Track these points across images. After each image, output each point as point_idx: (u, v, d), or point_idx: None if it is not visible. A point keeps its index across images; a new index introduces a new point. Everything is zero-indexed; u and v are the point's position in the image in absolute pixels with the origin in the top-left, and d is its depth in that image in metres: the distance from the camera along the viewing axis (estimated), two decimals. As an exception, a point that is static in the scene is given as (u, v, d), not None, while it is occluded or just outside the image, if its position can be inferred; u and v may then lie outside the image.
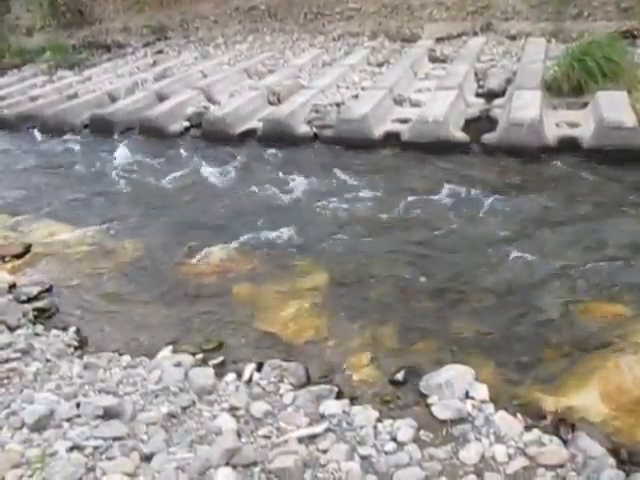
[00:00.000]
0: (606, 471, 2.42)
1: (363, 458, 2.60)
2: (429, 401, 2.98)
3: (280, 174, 6.29)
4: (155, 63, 11.44)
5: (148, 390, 3.09)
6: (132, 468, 2.48)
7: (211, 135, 7.58)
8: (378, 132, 6.79)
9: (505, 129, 6.19)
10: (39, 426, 2.71)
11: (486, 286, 4.03)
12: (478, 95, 7.87)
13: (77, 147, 8.11)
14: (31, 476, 2.38)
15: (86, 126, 8.62)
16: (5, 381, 3.17)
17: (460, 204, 5.21)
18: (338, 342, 3.63)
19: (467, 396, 2.95)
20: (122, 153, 7.50)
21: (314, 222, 5.19)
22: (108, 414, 2.80)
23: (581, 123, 6.29)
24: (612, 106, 6.09)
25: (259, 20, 12.25)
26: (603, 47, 7.00)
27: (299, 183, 6.03)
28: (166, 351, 3.62)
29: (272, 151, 6.96)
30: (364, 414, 2.88)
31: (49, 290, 4.51)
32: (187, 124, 8.05)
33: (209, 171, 6.64)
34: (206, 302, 4.22)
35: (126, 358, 3.52)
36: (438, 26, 10.53)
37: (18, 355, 3.45)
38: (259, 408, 2.97)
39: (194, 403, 3.01)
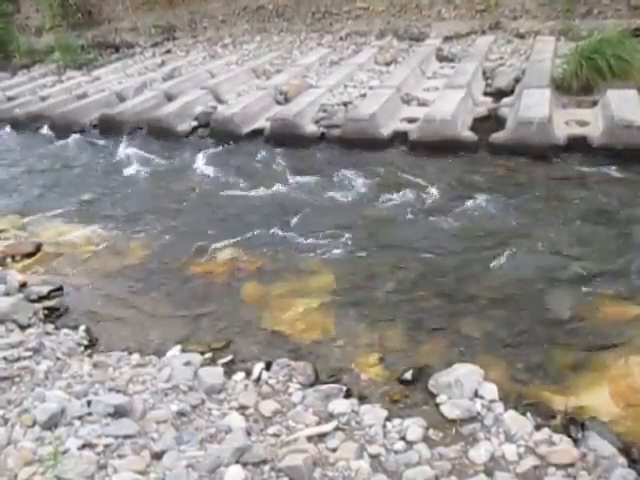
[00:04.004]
0: (617, 470, 2.42)
1: (372, 457, 2.61)
2: (438, 400, 2.98)
3: (287, 173, 6.29)
4: (163, 63, 11.49)
5: (158, 389, 3.10)
6: (143, 466, 2.49)
7: (219, 135, 7.60)
8: (386, 131, 6.78)
9: (514, 128, 6.17)
10: (51, 424, 2.72)
11: (494, 285, 4.02)
12: (486, 94, 7.85)
13: (86, 147, 8.15)
14: (44, 473, 2.40)
15: (95, 126, 8.67)
16: (17, 379, 3.20)
17: (468, 203, 5.19)
18: (346, 341, 3.63)
19: (476, 395, 2.95)
20: (130, 153, 7.54)
21: (321, 221, 5.19)
22: (119, 412, 2.81)
23: (591, 122, 6.26)
24: (622, 104, 6.05)
25: (267, 20, 12.27)
26: (613, 45, 6.96)
27: (306, 182, 6.04)
28: (175, 350, 3.63)
29: (280, 150, 6.97)
30: (373, 413, 2.88)
31: (59, 289, 4.53)
32: (195, 124, 8.07)
33: (217, 171, 6.65)
34: (214, 301, 4.23)
35: (136, 357, 3.53)
36: (446, 25, 10.50)
37: (29, 354, 3.47)
38: (268, 407, 2.98)
39: (203, 402, 3.03)
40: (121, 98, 9.38)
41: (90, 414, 2.81)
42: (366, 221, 5.14)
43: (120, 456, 2.54)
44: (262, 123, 7.66)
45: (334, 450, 2.64)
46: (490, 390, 2.97)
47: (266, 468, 2.51)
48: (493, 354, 3.36)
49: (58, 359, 3.50)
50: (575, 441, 2.64)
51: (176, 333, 3.89)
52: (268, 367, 3.36)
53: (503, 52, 9.22)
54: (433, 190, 5.48)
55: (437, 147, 6.27)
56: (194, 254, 4.89)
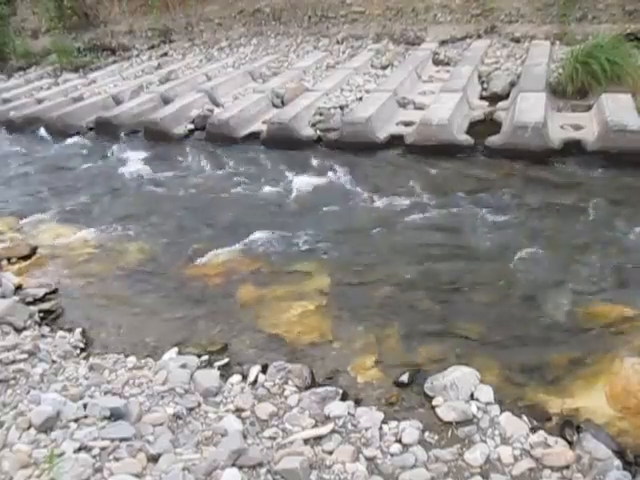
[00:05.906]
0: (612, 472, 2.43)
1: (369, 459, 2.62)
2: (434, 403, 2.98)
3: (284, 177, 6.30)
4: (160, 66, 11.49)
5: (154, 391, 3.10)
6: (139, 469, 2.49)
7: (215, 138, 7.61)
8: (382, 135, 6.80)
9: (509, 132, 6.19)
10: (46, 427, 2.72)
11: (490, 288, 4.03)
12: (482, 98, 7.88)
13: (82, 149, 8.14)
14: (39, 476, 2.39)
15: (91, 128, 8.67)
16: (12, 382, 3.19)
17: (464, 207, 5.21)
18: (342, 344, 3.63)
19: (472, 398, 2.96)
20: (126, 156, 7.54)
21: (318, 224, 5.20)
22: (115, 415, 2.81)
23: (586, 125, 6.29)
24: (617, 108, 6.09)
25: (263, 23, 12.27)
26: (607, 50, 7.00)
27: (303, 186, 6.04)
28: (171, 353, 3.63)
29: (276, 154, 6.98)
30: (369, 416, 2.88)
31: (55, 292, 4.52)
32: (191, 127, 8.08)
33: (213, 174, 6.66)
34: (211, 304, 4.23)
35: (132, 359, 3.53)
36: (442, 29, 10.54)
37: (25, 356, 3.46)
38: (264, 409, 2.98)
39: (200, 404, 3.03)
40: (117, 101, 9.39)
41: (86, 417, 2.80)
42: (362, 224, 5.14)
43: (116, 459, 2.53)
44: (259, 126, 7.67)
45: (330, 453, 2.64)
46: (486, 392, 2.98)
47: (262, 471, 2.51)
48: (489, 357, 3.36)
49: (54, 362, 3.49)
50: (570, 443, 2.65)
51: (172, 336, 3.89)
52: (264, 370, 3.35)
53: (499, 56, 9.25)
54: (429, 194, 5.50)
55: (433, 151, 6.29)
56: (190, 256, 4.89)
